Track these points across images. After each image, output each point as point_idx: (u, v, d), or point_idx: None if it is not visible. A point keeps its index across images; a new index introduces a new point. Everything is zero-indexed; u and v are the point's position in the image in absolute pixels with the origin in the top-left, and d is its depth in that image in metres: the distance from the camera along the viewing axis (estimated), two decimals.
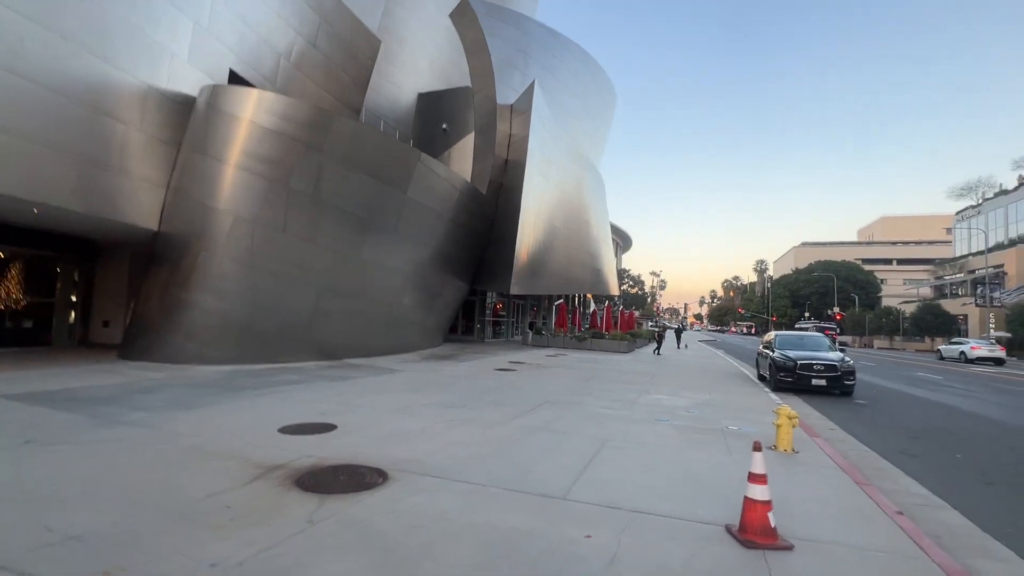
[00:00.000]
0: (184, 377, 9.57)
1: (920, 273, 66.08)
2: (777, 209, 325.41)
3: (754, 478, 3.62)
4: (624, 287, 75.74)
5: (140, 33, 10.97)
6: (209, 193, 11.53)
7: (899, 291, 66.19)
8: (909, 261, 76.33)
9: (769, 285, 77.19)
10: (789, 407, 6.50)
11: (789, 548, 3.44)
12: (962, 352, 29.19)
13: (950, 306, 45.48)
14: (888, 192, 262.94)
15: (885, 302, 61.65)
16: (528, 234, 21.80)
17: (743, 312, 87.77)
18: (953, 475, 6.03)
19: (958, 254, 51.86)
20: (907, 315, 49.53)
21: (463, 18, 21.21)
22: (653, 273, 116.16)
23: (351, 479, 4.41)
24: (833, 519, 4.07)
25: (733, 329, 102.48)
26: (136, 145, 11.18)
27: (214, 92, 11.90)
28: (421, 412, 7.50)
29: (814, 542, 3.58)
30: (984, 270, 40.33)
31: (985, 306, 37.87)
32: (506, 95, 22.37)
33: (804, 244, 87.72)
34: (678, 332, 34.25)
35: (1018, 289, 38.05)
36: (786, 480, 4.97)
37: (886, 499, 4.62)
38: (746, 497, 3.62)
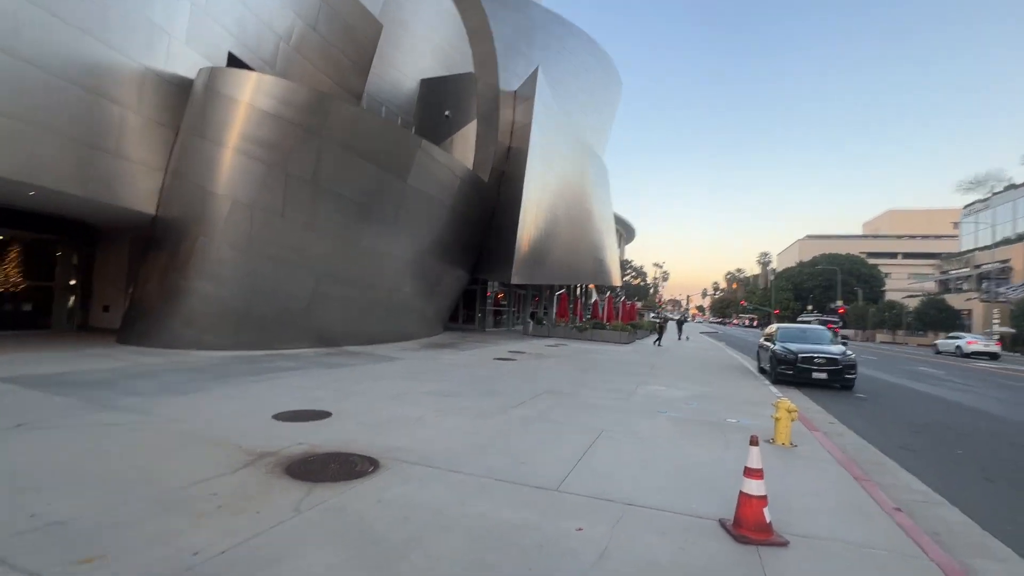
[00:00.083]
0: (181, 362, 9.54)
1: (925, 267, 65.58)
2: (782, 204, 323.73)
3: (750, 473, 3.54)
4: (627, 278, 75.51)
5: (137, 13, 10.78)
6: (207, 177, 11.42)
7: (904, 285, 65.77)
8: (915, 255, 75.70)
9: (772, 278, 76.80)
10: (789, 400, 6.43)
11: (784, 544, 3.38)
12: (958, 346, 29.67)
13: (954, 301, 45.17)
14: (896, 187, 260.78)
15: (889, 296, 61.32)
16: (530, 223, 21.64)
17: (746, 305, 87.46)
18: (953, 471, 5.96)
19: (964, 248, 51.41)
20: (910, 309, 49.28)
21: (466, 2, 20.83)
22: (656, 264, 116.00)
23: (342, 467, 4.36)
24: (830, 515, 4.00)
25: (735, 321, 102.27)
26: (134, 128, 11.05)
27: (212, 74, 11.73)
28: (417, 400, 7.45)
29: (810, 538, 3.52)
30: (990, 265, 39.97)
31: (990, 301, 37.60)
32: (509, 81, 22.05)
33: (809, 237, 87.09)
34: (680, 323, 34.15)
35: None
36: (783, 474, 4.91)
37: (884, 495, 4.55)
38: (741, 492, 3.54)
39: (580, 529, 3.44)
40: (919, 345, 44.25)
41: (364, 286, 14.43)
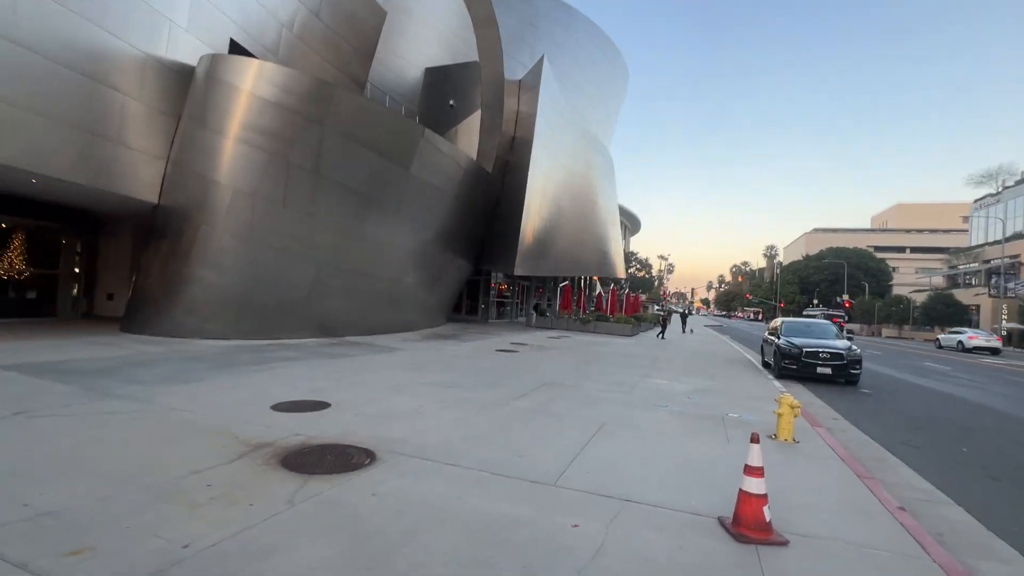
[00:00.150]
0: (183, 351, 9.56)
1: (934, 262, 64.94)
2: (789, 198, 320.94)
3: (750, 471, 3.48)
4: (631, 270, 75.17)
5: None
6: (209, 166, 11.36)
7: (911, 280, 65.19)
8: (923, 249, 74.94)
9: (778, 271, 76.26)
10: (792, 396, 6.35)
11: (784, 544, 3.32)
12: (960, 341, 29.85)
13: (963, 296, 44.79)
14: (906, 181, 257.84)
15: (896, 291, 60.84)
16: (534, 214, 21.49)
17: (751, 298, 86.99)
18: (957, 469, 5.88)
19: (974, 243, 50.79)
20: (918, 304, 48.88)
21: None
22: (661, 257, 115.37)
23: (338, 459, 4.33)
24: (831, 513, 3.94)
25: (740, 315, 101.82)
26: (135, 116, 10.99)
27: (213, 61, 11.62)
28: (417, 392, 7.42)
29: (810, 538, 3.46)
30: (1000, 260, 39.49)
31: (999, 296, 37.20)
32: (515, 70, 21.78)
33: (816, 230, 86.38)
34: (683, 316, 34.02)
35: None
36: (784, 471, 4.84)
37: (887, 493, 4.48)
38: (741, 490, 3.48)
39: (576, 525, 3.40)
40: (925, 340, 43.92)
41: (366, 276, 14.39)
